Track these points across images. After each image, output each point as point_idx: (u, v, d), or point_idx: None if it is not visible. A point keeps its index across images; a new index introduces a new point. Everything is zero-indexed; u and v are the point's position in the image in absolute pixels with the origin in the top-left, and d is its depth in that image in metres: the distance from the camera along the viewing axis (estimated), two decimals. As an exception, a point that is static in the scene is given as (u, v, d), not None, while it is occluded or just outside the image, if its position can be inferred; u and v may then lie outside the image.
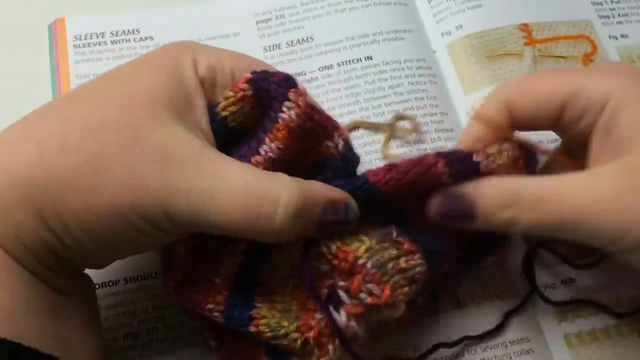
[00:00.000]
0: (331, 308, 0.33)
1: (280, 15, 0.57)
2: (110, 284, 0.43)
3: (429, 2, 0.59)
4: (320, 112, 0.34)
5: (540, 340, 0.43)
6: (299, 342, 0.33)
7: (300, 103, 0.32)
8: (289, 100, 0.32)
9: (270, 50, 0.55)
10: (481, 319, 0.43)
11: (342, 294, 0.33)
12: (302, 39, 0.55)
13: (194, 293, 0.34)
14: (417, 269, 0.34)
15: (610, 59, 0.56)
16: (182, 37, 0.53)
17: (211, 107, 0.34)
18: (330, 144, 0.34)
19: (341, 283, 0.33)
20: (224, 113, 0.34)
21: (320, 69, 0.53)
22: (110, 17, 0.55)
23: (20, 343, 0.27)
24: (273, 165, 0.33)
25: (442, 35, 0.57)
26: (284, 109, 0.32)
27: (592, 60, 0.55)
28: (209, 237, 0.33)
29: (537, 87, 0.36)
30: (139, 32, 0.54)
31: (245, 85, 0.33)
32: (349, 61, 0.54)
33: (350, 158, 0.35)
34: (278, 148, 0.33)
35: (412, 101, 0.51)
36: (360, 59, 0.53)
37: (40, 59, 0.52)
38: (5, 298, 0.29)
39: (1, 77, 0.51)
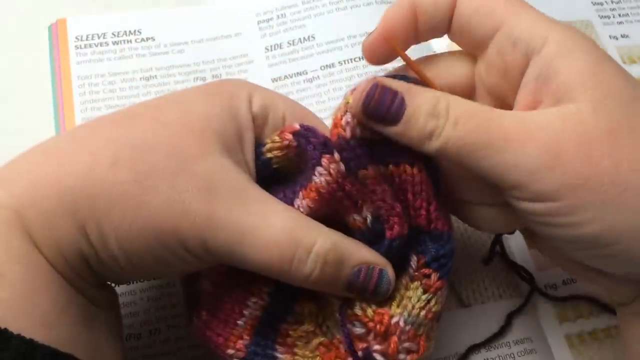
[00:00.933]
0: None
1: (282, 15, 0.57)
2: (113, 285, 0.43)
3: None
4: (353, 183, 0.32)
5: (543, 341, 0.43)
6: None
7: (332, 171, 0.32)
8: (321, 165, 0.32)
9: (271, 50, 0.55)
10: (485, 318, 0.43)
11: (379, 357, 0.33)
12: (304, 38, 0.55)
13: (215, 335, 0.34)
14: (444, 299, 0.34)
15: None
16: (184, 38, 0.54)
17: (258, 145, 0.34)
18: (357, 217, 0.33)
19: (377, 347, 0.33)
20: (269, 155, 0.34)
21: (322, 67, 0.53)
22: (112, 17, 0.54)
23: (57, 349, 0.27)
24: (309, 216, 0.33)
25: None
26: (316, 173, 0.32)
27: (592, 61, 0.55)
28: (237, 275, 0.34)
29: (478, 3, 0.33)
30: (140, 32, 0.54)
31: (290, 136, 0.33)
32: (351, 60, 0.54)
33: (378, 232, 0.33)
34: (309, 206, 0.33)
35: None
36: (362, 58, 0.53)
37: (41, 59, 0.52)
38: (44, 305, 0.29)
39: (1, 78, 0.50)
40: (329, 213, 0.33)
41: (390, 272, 0.33)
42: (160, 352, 0.41)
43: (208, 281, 0.34)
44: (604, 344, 0.43)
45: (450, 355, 0.42)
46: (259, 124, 0.34)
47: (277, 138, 0.34)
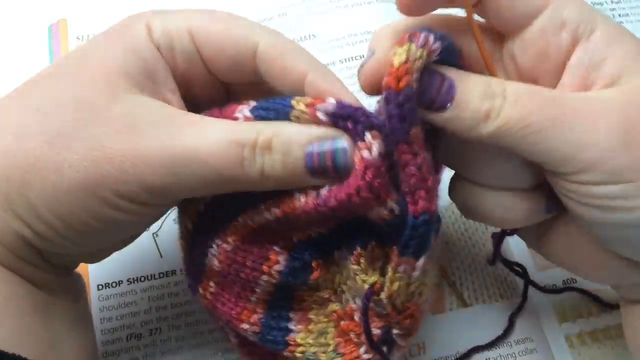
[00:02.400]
0: (385, 350, 0.33)
1: (283, 14, 0.57)
2: (113, 284, 0.43)
3: (429, 3, 0.59)
4: (383, 177, 0.28)
5: (543, 340, 0.43)
6: None
7: (361, 165, 0.28)
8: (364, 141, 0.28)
9: (273, 50, 0.55)
10: (485, 318, 0.43)
11: (399, 339, 0.33)
12: (305, 37, 0.55)
13: (227, 308, 0.33)
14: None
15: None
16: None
17: (284, 102, 0.30)
18: (384, 212, 0.29)
19: (396, 331, 0.32)
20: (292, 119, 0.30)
21: (324, 66, 0.53)
22: (112, 17, 0.54)
23: (0, 350, 0.27)
24: None
25: (443, 35, 0.57)
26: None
27: (592, 61, 0.55)
28: (247, 253, 0.32)
29: None
30: (140, 32, 0.54)
31: (322, 116, 0.29)
32: (352, 58, 0.54)
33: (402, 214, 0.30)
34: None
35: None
36: (364, 56, 0.53)
37: (41, 59, 0.52)
38: None
39: (1, 78, 0.50)
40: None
41: (345, 141, 0.29)
42: (160, 352, 0.41)
43: (219, 257, 0.33)
44: (603, 344, 0.43)
45: (451, 355, 0.42)
46: (167, 54, 0.32)
47: (304, 109, 0.29)
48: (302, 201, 0.30)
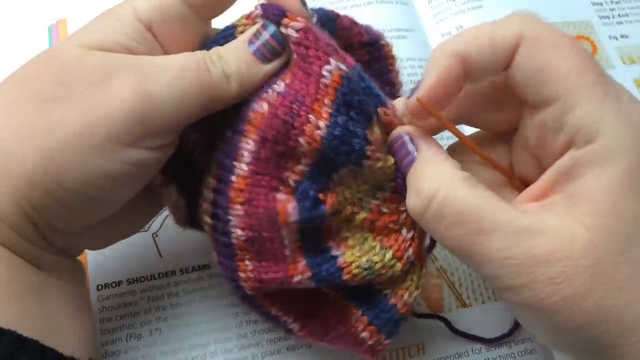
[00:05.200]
0: None
1: None
2: (113, 284, 0.43)
3: (429, 3, 0.59)
4: (316, 35, 0.33)
5: (543, 340, 0.43)
6: (398, 266, 0.34)
7: (290, 31, 0.33)
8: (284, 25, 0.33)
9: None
10: (485, 318, 0.43)
11: None
12: (305, 39, 0.55)
13: (274, 274, 0.34)
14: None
15: (611, 59, 0.56)
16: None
17: (227, 30, 0.35)
18: (329, 67, 0.32)
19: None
20: (239, 36, 0.35)
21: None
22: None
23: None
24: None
25: (443, 35, 0.57)
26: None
27: (592, 61, 0.55)
28: (258, 209, 0.33)
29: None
30: (140, 32, 0.54)
31: (256, 12, 0.34)
32: (352, 59, 0.54)
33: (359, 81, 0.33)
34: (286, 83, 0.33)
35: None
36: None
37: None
38: None
39: (1, 78, 0.50)
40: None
41: (271, 25, 0.33)
42: (160, 352, 0.41)
43: (238, 229, 0.34)
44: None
45: (451, 355, 0.42)
46: (161, 27, 0.33)
47: (246, 21, 0.35)
48: (264, 107, 0.33)
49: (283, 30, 0.33)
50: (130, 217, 0.37)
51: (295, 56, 0.33)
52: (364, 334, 0.36)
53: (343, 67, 0.32)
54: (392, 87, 0.41)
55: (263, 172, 0.33)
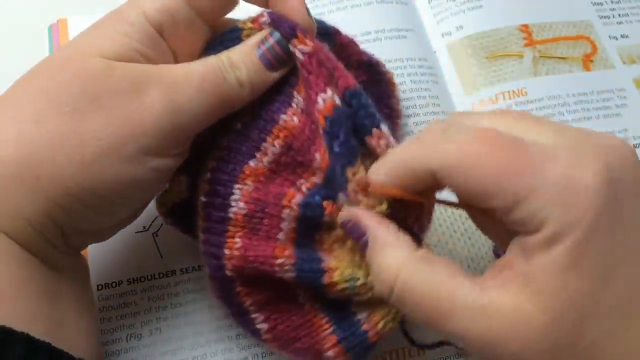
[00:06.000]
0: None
1: None
2: (113, 284, 0.43)
3: (429, 3, 0.59)
4: (322, 58, 0.34)
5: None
6: None
7: (297, 54, 0.34)
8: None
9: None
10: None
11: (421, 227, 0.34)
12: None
13: (261, 251, 0.35)
14: None
15: (611, 59, 0.56)
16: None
17: (233, 31, 0.36)
18: (324, 96, 0.34)
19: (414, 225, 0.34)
20: (245, 40, 0.36)
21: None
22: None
23: (11, 328, 0.27)
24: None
25: (443, 35, 0.57)
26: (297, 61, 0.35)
27: (592, 61, 0.55)
28: (266, 191, 0.35)
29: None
30: (140, 32, 0.54)
31: (263, 19, 0.36)
32: (352, 59, 0.54)
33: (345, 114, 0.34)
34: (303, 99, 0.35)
35: (415, 99, 0.51)
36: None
37: (40, 59, 0.52)
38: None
39: (1, 78, 0.50)
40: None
41: (277, 32, 0.35)
42: (160, 352, 0.41)
43: (241, 202, 0.35)
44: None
45: (451, 355, 0.42)
46: (171, 29, 0.34)
47: (250, 24, 0.36)
48: (295, 120, 0.35)
49: (291, 48, 0.34)
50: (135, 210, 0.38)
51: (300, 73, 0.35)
52: (329, 353, 0.35)
53: (337, 100, 0.33)
54: (391, 111, 0.41)
55: (280, 172, 0.36)
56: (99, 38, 0.33)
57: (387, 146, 0.33)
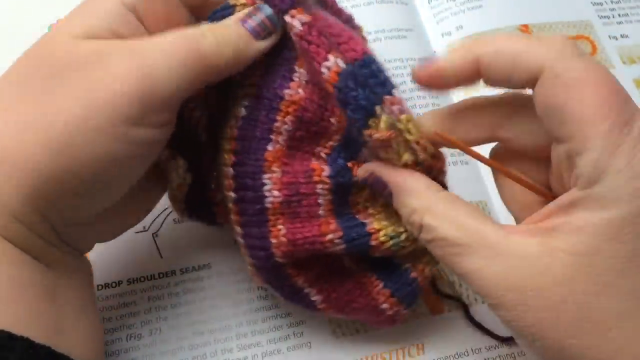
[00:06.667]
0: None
1: None
2: (113, 284, 0.43)
3: (429, 3, 0.59)
4: (320, 29, 0.33)
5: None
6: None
7: (294, 29, 0.33)
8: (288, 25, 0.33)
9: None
10: (485, 318, 0.43)
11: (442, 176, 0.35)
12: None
13: (308, 232, 0.35)
14: None
15: (611, 59, 0.56)
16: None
17: (225, 7, 0.35)
18: (328, 64, 0.33)
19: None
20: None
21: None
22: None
23: (10, 332, 0.27)
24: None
25: (442, 35, 0.57)
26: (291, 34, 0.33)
27: (592, 61, 0.56)
28: (295, 172, 0.35)
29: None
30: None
31: None
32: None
33: (355, 76, 0.33)
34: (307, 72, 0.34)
35: (415, 99, 0.51)
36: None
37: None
38: None
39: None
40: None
41: (267, 6, 0.34)
42: (160, 352, 0.41)
43: (274, 190, 0.35)
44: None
45: (451, 355, 0.42)
46: (146, 6, 0.33)
47: (243, 0, 0.34)
48: (300, 92, 0.35)
49: (288, 19, 0.33)
50: (137, 203, 0.37)
51: (298, 46, 0.34)
52: (385, 305, 0.37)
53: (341, 63, 0.32)
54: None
55: (299, 147, 0.36)
56: (71, 20, 0.32)
57: (401, 112, 0.32)
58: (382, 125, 0.32)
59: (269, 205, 0.35)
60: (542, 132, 0.31)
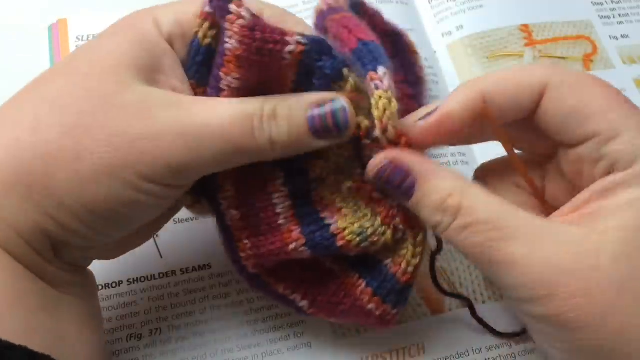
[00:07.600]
0: None
1: (309, 1, 0.56)
2: (113, 285, 0.43)
3: (430, 3, 0.59)
4: (264, 27, 0.30)
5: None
6: (389, 233, 0.34)
7: (235, 30, 0.30)
8: (226, 29, 0.30)
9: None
10: (485, 318, 0.43)
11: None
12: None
13: (269, 245, 0.35)
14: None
15: (611, 59, 0.56)
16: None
17: (192, 43, 0.33)
18: (290, 48, 0.31)
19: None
20: (207, 41, 0.33)
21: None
22: (113, 17, 0.54)
23: (8, 341, 0.27)
24: (245, 93, 0.32)
25: (443, 35, 0.57)
26: (226, 39, 0.30)
27: (592, 61, 0.55)
28: (251, 188, 0.35)
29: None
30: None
31: (205, 10, 0.33)
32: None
33: (319, 47, 0.32)
34: (236, 79, 0.31)
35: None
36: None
37: (41, 59, 0.52)
38: None
39: (1, 78, 0.50)
40: (264, 78, 0.32)
41: (343, 101, 0.31)
42: (160, 352, 0.41)
43: (231, 209, 0.35)
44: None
45: (451, 355, 0.42)
46: (178, 39, 0.33)
47: (199, 21, 0.33)
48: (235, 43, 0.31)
49: (228, 27, 0.30)
50: (143, 232, 0.37)
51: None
52: (370, 306, 0.36)
53: (302, 40, 0.31)
54: (417, 79, 0.41)
55: None
56: (114, 47, 0.32)
57: (377, 87, 0.31)
58: (348, 87, 0.32)
59: (230, 223, 0.35)
60: (542, 144, 0.32)
